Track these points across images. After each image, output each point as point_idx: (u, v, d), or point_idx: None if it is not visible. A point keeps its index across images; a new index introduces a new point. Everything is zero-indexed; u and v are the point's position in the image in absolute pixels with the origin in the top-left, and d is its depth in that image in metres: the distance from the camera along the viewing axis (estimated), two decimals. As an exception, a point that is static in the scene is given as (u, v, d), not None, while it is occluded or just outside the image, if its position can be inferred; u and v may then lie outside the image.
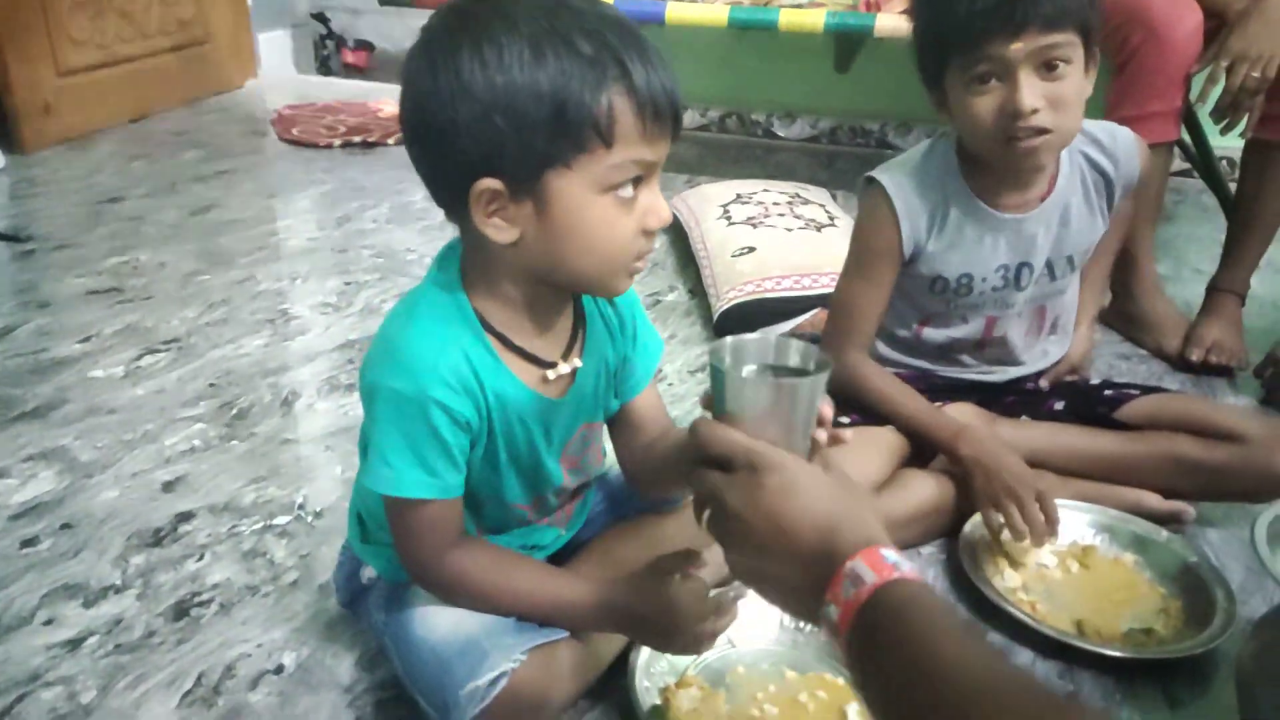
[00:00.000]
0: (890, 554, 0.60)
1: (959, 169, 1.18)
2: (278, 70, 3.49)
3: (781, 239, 1.86)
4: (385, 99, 3.06)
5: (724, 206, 2.02)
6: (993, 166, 1.16)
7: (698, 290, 1.87)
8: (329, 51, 3.58)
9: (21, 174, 2.45)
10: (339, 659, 1.00)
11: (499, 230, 0.75)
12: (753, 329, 1.61)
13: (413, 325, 0.80)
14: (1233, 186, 1.77)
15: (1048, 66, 1.05)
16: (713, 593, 0.86)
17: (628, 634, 0.91)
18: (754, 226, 1.91)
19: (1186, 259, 2.06)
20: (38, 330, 1.68)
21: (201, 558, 1.14)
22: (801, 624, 0.99)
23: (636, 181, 0.75)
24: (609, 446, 0.99)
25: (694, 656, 0.94)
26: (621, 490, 1.06)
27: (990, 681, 0.54)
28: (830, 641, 0.61)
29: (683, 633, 0.84)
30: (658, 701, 0.90)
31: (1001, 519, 1.12)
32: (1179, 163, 2.14)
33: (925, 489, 1.18)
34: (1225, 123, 1.54)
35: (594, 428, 0.94)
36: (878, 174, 1.19)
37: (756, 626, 0.98)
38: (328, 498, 1.26)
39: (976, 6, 1.03)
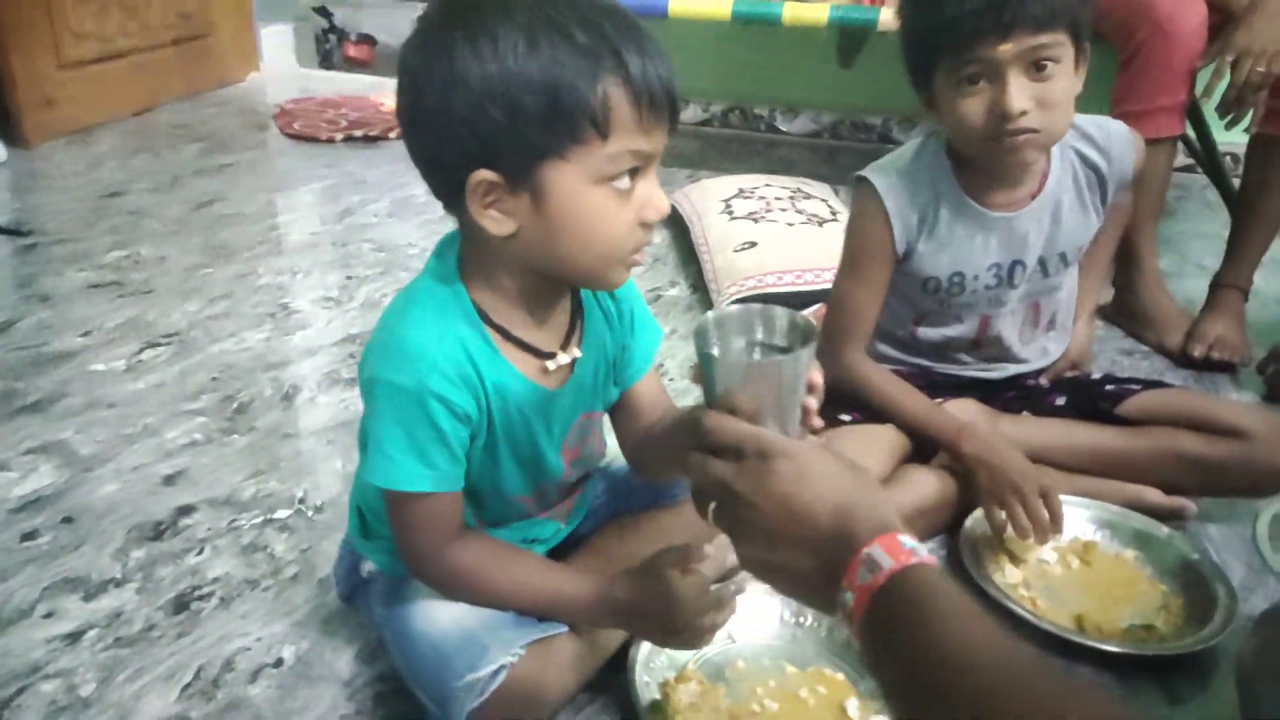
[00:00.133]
0: (907, 539, 0.60)
1: (949, 168, 1.17)
2: (280, 64, 3.49)
3: (783, 234, 1.85)
4: (387, 93, 3.05)
5: (726, 201, 2.01)
6: (982, 165, 1.15)
7: (699, 285, 1.87)
8: (331, 45, 3.58)
9: (23, 167, 2.46)
10: (339, 653, 1.00)
11: (496, 222, 0.75)
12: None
13: (411, 317, 0.80)
14: (1236, 182, 1.76)
15: (1037, 67, 1.04)
16: (713, 587, 0.86)
17: (627, 628, 0.91)
18: (756, 221, 1.91)
19: (1189, 254, 2.05)
20: (39, 324, 1.68)
21: (202, 551, 1.14)
22: (802, 619, 1.00)
23: (634, 173, 0.74)
24: (610, 438, 0.99)
25: (694, 651, 0.94)
26: (623, 482, 1.06)
27: (1009, 667, 0.53)
28: (844, 627, 0.61)
29: (683, 627, 0.84)
30: (657, 696, 0.90)
31: (1005, 516, 1.12)
32: (1183, 158, 2.13)
33: (926, 485, 1.18)
34: (1230, 118, 1.53)
35: (594, 418, 0.94)
36: (868, 173, 1.18)
37: (757, 621, 0.99)
38: (328, 492, 1.25)
39: (965, 8, 1.02)
